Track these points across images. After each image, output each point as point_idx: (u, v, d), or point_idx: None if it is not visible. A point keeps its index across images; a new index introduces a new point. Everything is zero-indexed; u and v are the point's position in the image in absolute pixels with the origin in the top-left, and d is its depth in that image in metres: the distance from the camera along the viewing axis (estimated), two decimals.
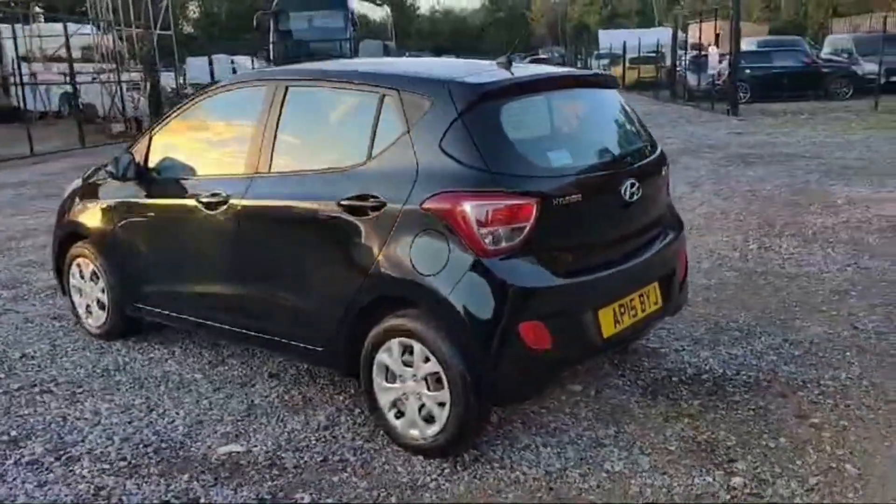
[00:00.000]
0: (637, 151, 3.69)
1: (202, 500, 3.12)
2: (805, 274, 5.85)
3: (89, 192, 4.72)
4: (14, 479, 3.29)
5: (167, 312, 4.36)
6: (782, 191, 9.18)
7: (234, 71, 26.96)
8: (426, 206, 3.14)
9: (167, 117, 4.33)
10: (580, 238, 3.34)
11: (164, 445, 3.54)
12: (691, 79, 22.63)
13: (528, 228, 3.08)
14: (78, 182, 5.00)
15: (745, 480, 3.12)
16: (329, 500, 3.08)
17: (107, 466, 3.38)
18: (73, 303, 4.98)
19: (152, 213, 4.31)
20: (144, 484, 3.23)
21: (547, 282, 3.16)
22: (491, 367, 3.10)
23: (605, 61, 35.53)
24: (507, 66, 3.60)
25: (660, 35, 34.75)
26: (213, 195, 3.88)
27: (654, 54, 30.21)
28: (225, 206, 3.83)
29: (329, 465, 3.34)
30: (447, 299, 3.09)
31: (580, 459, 3.31)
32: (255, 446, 3.51)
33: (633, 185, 3.46)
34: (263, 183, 3.73)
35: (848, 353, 4.33)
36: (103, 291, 4.70)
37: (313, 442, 3.53)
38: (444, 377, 3.17)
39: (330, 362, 3.72)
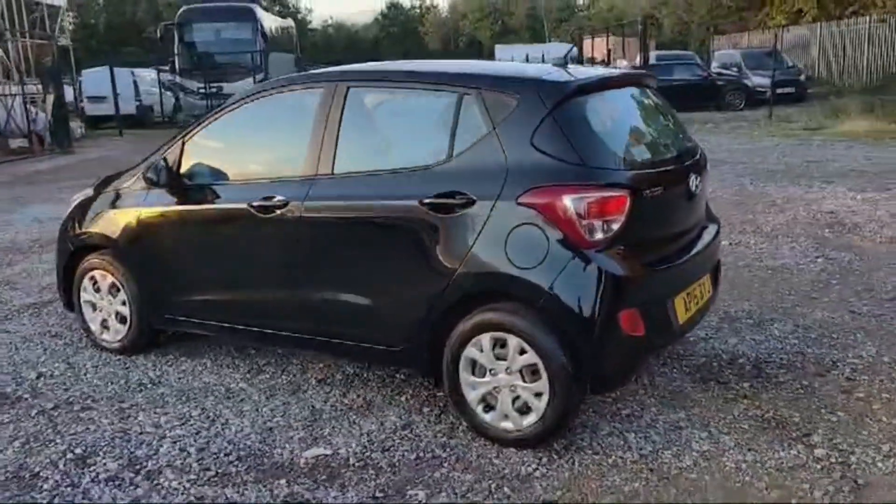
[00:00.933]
0: (691, 146, 3.88)
1: (312, 503, 3.07)
2: (783, 266, 6.22)
3: (108, 201, 4.53)
4: (100, 498, 3.14)
5: (209, 322, 4.24)
6: (723, 193, 9.65)
7: (136, 84, 26.00)
8: (522, 200, 3.22)
9: (201, 123, 4.22)
10: (660, 229, 3.50)
11: (244, 453, 3.45)
12: None
13: (622, 220, 3.20)
14: (88, 192, 4.79)
15: (827, 451, 3.33)
16: (443, 495, 3.10)
17: (194, 477, 3.27)
18: (83, 318, 4.75)
19: (190, 220, 4.19)
20: (245, 491, 3.16)
21: (639, 271, 3.29)
22: (594, 356, 3.20)
23: None
24: (564, 66, 3.73)
25: (563, 50, 35.77)
26: (267, 198, 3.81)
27: None
28: (283, 210, 3.77)
29: (425, 462, 3.35)
30: (549, 291, 3.17)
31: (667, 442, 3.44)
32: (340, 449, 3.48)
33: (696, 177, 3.65)
34: (327, 184, 3.70)
35: (858, 335, 4.66)
36: (125, 304, 4.51)
37: (397, 441, 3.52)
38: (542, 368, 3.24)
39: (407, 362, 3.72)
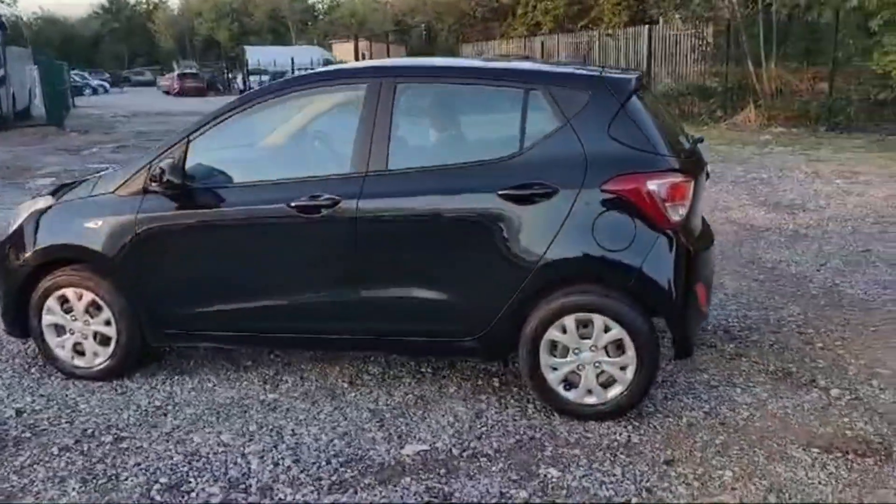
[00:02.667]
0: (697, 137, 4.33)
1: (456, 494, 3.10)
2: None
3: (82, 209, 4.05)
4: None
5: (229, 332, 3.98)
6: None
7: None
8: (607, 187, 3.47)
9: (211, 121, 3.92)
10: (697, 211, 3.91)
11: (343, 458, 3.36)
12: None
13: (688, 202, 3.57)
14: (45, 201, 4.24)
15: (839, 391, 3.95)
16: (573, 469, 3.26)
17: (313, 488, 3.14)
18: (46, 345, 4.19)
19: (207, 225, 3.89)
20: (381, 492, 3.10)
21: (702, 248, 3.69)
22: (679, 325, 3.54)
23: (266, 77, 35.48)
24: (584, 65, 4.03)
25: (312, 53, 35.86)
26: (313, 197, 3.70)
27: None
28: (333, 209, 3.67)
29: (527, 445, 3.48)
30: (640, 270, 3.45)
31: (715, 399, 3.87)
32: (436, 443, 3.50)
33: (707, 165, 4.12)
34: (382, 181, 3.67)
35: (776, 298, 5.46)
36: (108, 323, 4.07)
37: (483, 430, 3.61)
38: (628, 342, 3.51)
39: (481, 351, 3.78)
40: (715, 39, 19.84)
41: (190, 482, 3.17)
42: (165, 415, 3.79)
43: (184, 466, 3.29)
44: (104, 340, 4.12)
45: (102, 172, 4.39)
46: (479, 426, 3.64)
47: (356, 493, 3.10)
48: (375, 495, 3.08)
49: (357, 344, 3.92)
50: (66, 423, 3.73)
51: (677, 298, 3.50)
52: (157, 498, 3.07)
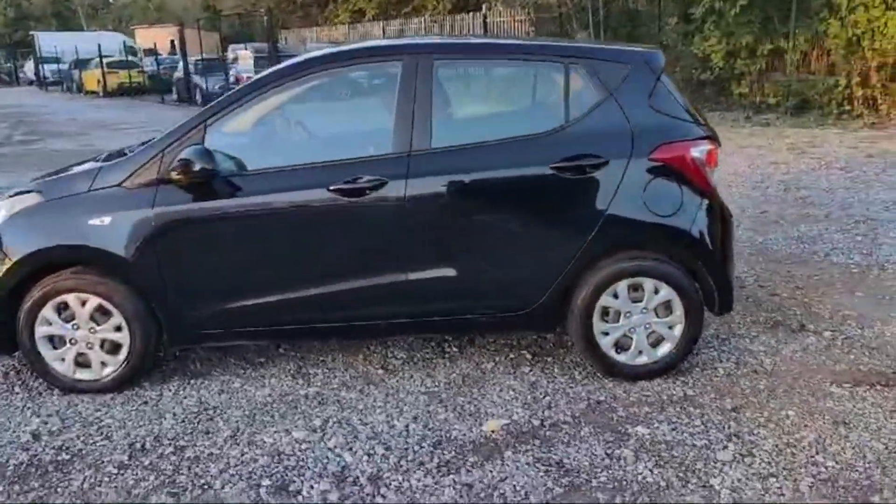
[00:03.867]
0: None
1: (565, 461, 3.15)
2: None
3: (82, 205, 3.65)
4: None
5: (269, 327, 3.76)
6: None
7: None
8: (655, 156, 3.63)
9: (229, 104, 3.66)
10: None
11: (431, 441, 3.31)
12: (202, 82, 22.77)
13: (715, 168, 3.81)
14: (30, 199, 3.77)
15: (831, 334, 4.37)
16: (657, 426, 3.41)
17: (423, 472, 3.08)
18: (40, 360, 3.74)
19: (237, 215, 3.62)
20: (495, 468, 3.09)
21: (727, 210, 3.95)
22: (726, 283, 3.78)
23: (64, 66, 32.74)
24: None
25: (117, 39, 33.70)
26: (353, 180, 3.58)
27: (133, 59, 29.32)
28: (379, 190, 3.58)
29: (597, 408, 3.59)
30: (689, 233, 3.66)
31: (734, 350, 4.17)
32: (513, 416, 3.52)
33: None
34: (429, 159, 3.61)
35: None
36: (119, 329, 3.72)
37: (548, 400, 3.67)
38: (676, 302, 3.71)
39: (531, 324, 3.82)
40: (545, 26, 20.73)
41: (292, 482, 3.00)
42: (212, 419, 3.54)
43: (276, 467, 3.11)
44: (113, 348, 3.76)
45: (95, 164, 3.95)
46: (541, 396, 3.70)
47: (469, 472, 3.07)
48: (493, 470, 3.07)
49: (403, 328, 3.84)
50: (104, 439, 3.39)
51: (719, 256, 3.74)
52: (271, 500, 2.88)
